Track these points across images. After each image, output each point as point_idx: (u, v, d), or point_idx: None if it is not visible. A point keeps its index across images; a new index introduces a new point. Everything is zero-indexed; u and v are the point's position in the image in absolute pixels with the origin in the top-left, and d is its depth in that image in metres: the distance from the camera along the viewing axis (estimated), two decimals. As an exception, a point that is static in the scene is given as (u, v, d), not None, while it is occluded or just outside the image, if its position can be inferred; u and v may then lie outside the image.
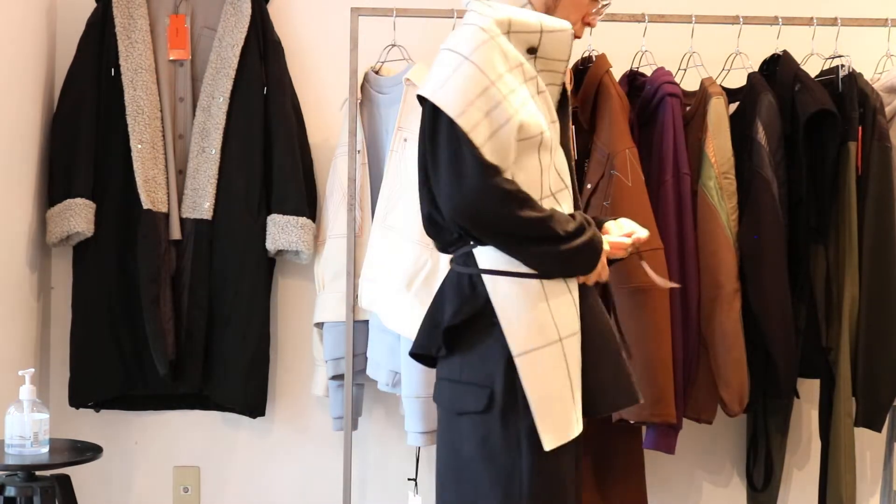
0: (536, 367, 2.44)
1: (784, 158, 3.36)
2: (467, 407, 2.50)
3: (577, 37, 2.61)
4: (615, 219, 2.64)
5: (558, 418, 2.45)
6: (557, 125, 2.57)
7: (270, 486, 3.83)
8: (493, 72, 2.44)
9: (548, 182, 2.50)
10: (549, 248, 2.45)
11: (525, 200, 2.42)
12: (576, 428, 2.46)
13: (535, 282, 2.48)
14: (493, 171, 2.39)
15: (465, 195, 2.41)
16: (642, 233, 2.60)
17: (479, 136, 2.39)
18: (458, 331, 2.53)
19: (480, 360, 2.50)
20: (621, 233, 2.58)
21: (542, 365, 2.45)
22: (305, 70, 3.79)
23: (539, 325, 2.46)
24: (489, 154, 2.39)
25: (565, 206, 2.53)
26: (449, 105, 2.42)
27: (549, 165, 2.50)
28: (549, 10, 2.59)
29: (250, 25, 3.62)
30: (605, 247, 2.54)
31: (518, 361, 2.44)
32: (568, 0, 2.59)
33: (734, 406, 3.31)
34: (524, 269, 2.47)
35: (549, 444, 2.43)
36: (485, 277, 2.49)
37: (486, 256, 2.50)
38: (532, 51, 2.52)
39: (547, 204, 2.50)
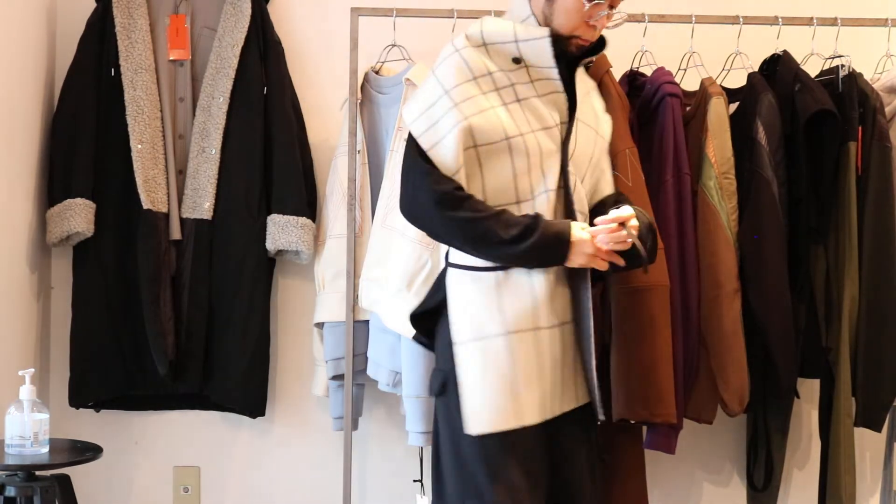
0: (469, 357, 2.60)
1: (784, 158, 3.36)
2: (434, 389, 2.71)
3: (584, 40, 2.68)
4: (618, 207, 2.66)
5: (487, 406, 2.57)
6: (556, 130, 2.64)
7: (270, 486, 3.83)
8: (448, 82, 2.61)
9: (525, 186, 2.62)
10: (493, 250, 2.58)
11: (459, 202, 2.56)
12: (510, 420, 2.55)
13: (490, 276, 2.62)
14: (430, 173, 2.57)
15: (408, 198, 2.64)
16: (623, 212, 2.59)
17: (425, 142, 2.59)
18: (431, 319, 2.75)
19: (441, 346, 2.70)
20: (609, 219, 2.59)
21: (475, 355, 2.59)
22: (305, 70, 3.79)
23: (482, 318, 2.61)
24: (435, 158, 2.58)
25: (542, 209, 2.61)
26: (408, 114, 2.63)
27: (527, 170, 2.61)
28: (548, 20, 2.67)
29: (250, 25, 3.62)
30: (584, 235, 2.57)
31: (455, 350, 2.62)
32: (561, 7, 2.66)
33: (734, 406, 3.31)
34: (481, 263, 2.63)
35: (474, 429, 2.57)
36: (448, 270, 2.68)
37: (453, 251, 2.68)
38: (518, 61, 2.63)
39: (525, 208, 2.60)
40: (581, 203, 2.69)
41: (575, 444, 2.70)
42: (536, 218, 2.57)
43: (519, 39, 2.64)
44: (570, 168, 2.65)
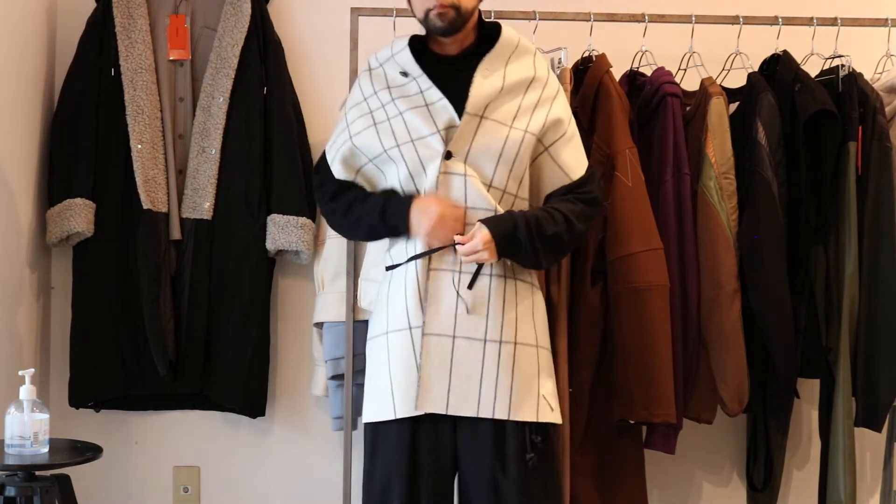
0: (369, 352, 2.88)
1: (784, 158, 3.36)
2: None
3: (439, 8, 2.78)
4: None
5: (373, 399, 2.83)
6: (436, 137, 2.77)
7: (270, 486, 3.83)
8: (347, 105, 2.93)
9: (412, 191, 2.80)
10: (361, 229, 2.90)
11: (332, 197, 2.91)
12: (387, 413, 2.77)
13: (388, 275, 2.87)
14: (316, 180, 2.98)
15: None
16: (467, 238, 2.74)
17: (329, 157, 2.93)
18: None
19: None
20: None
21: (372, 351, 2.87)
22: (305, 70, 3.79)
23: (378, 316, 2.87)
24: (334, 166, 2.90)
25: None
26: None
27: (409, 177, 2.80)
28: (420, 20, 2.86)
29: (250, 25, 3.62)
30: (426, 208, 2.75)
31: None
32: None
33: (734, 406, 3.31)
34: (388, 262, 2.88)
35: (364, 416, 2.86)
36: None
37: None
38: (405, 74, 2.86)
39: None
40: (480, 200, 2.76)
41: (471, 446, 2.77)
42: (382, 199, 2.82)
43: (394, 54, 2.88)
44: (455, 169, 2.76)
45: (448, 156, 2.77)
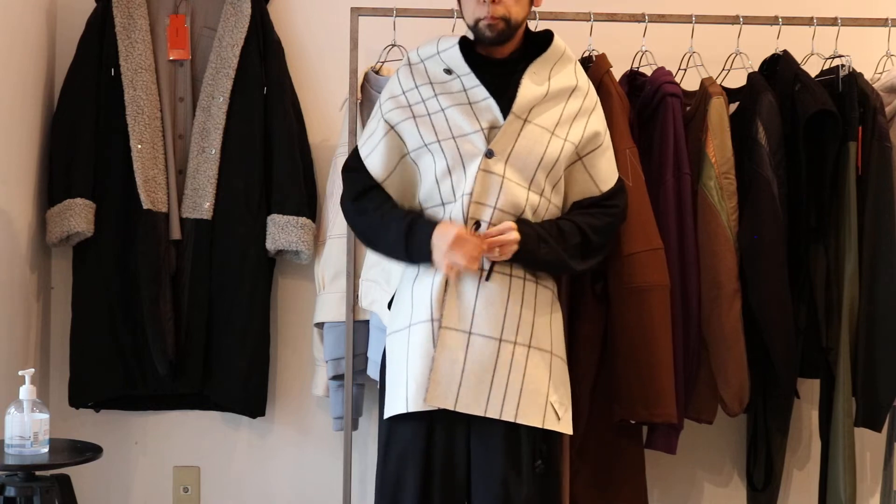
0: (390, 347, 2.87)
1: (784, 158, 3.36)
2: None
3: (489, 20, 2.81)
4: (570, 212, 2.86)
5: (393, 394, 2.80)
6: (478, 135, 2.77)
7: (270, 486, 3.83)
8: (383, 97, 2.92)
9: (448, 189, 2.80)
10: (379, 249, 2.90)
11: (360, 204, 2.86)
12: (400, 407, 2.75)
13: (412, 268, 2.84)
14: (348, 177, 2.93)
15: (340, 198, 3.01)
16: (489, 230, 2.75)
17: (363, 151, 2.91)
18: None
19: None
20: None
21: (392, 346, 2.85)
22: (305, 70, 3.79)
23: (401, 310, 2.85)
24: (369, 165, 2.87)
25: (460, 211, 2.75)
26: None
27: (447, 174, 2.79)
28: (467, 23, 2.87)
29: (250, 25, 3.62)
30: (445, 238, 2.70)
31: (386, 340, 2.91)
32: (462, 6, 2.87)
33: (734, 406, 3.32)
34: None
35: (385, 412, 2.82)
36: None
37: None
38: (448, 71, 2.87)
39: (449, 209, 2.78)
40: (512, 204, 2.77)
41: (484, 448, 2.76)
42: (409, 219, 2.79)
43: (440, 51, 2.89)
44: (494, 169, 2.76)
45: (489, 154, 2.78)
